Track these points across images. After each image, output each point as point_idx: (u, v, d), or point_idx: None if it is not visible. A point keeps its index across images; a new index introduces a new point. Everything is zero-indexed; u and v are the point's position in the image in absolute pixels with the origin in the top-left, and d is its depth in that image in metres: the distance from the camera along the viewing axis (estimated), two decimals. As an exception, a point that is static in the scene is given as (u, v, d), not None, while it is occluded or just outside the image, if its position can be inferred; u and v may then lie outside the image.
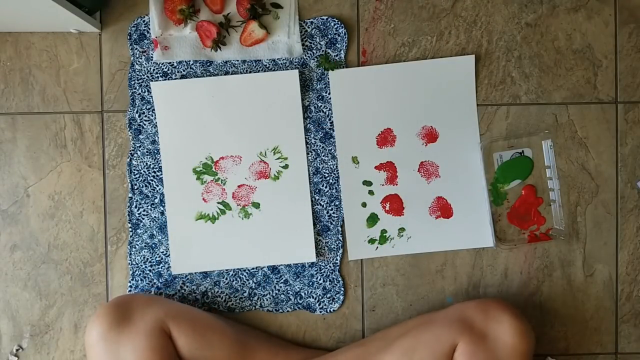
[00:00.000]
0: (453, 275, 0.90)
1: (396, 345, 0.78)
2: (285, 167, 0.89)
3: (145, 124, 0.88)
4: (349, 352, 0.82)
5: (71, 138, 0.88)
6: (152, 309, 0.78)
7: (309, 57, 0.89)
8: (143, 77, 0.88)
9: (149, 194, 0.88)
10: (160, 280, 0.88)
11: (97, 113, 0.89)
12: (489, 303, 0.78)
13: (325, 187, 0.89)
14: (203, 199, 0.88)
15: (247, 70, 0.88)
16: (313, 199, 0.89)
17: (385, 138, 0.89)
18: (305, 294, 0.89)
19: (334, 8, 0.89)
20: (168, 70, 0.88)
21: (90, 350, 0.76)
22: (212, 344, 0.79)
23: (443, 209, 0.89)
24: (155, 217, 0.88)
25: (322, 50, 0.89)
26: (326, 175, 0.89)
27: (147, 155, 0.88)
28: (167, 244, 0.88)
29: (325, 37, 0.89)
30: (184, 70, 0.88)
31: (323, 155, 0.89)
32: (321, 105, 0.89)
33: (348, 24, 0.89)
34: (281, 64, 0.89)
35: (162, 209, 0.88)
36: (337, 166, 0.89)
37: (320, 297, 0.89)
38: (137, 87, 0.88)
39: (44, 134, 0.88)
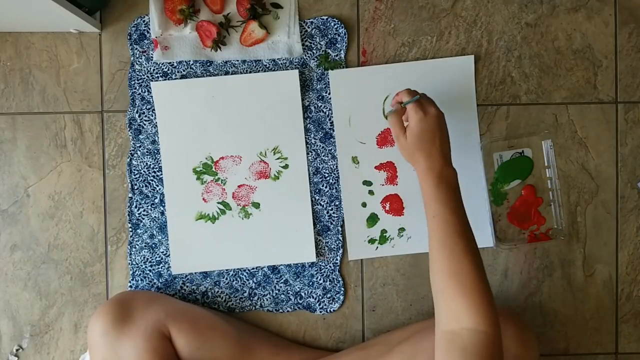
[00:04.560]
0: (453, 275, 0.90)
1: (397, 350, 0.77)
2: (285, 167, 0.89)
3: (145, 124, 0.88)
4: (350, 355, 0.82)
5: (71, 138, 0.88)
6: (152, 309, 0.78)
7: (309, 57, 0.89)
8: (143, 77, 0.88)
9: (149, 194, 0.88)
10: (160, 280, 0.88)
11: (97, 113, 0.89)
12: None
13: (325, 187, 0.89)
14: (203, 199, 0.88)
15: (247, 70, 0.88)
16: (313, 199, 0.89)
17: (385, 138, 0.89)
18: (305, 294, 0.89)
19: (334, 8, 0.89)
20: (168, 70, 0.88)
21: (93, 346, 0.77)
22: (213, 344, 0.79)
23: (443, 209, 0.89)
24: (155, 217, 0.88)
25: (322, 50, 0.89)
26: (326, 175, 0.89)
27: (147, 155, 0.88)
28: (167, 244, 0.88)
29: (325, 37, 0.89)
30: (184, 70, 0.88)
31: (323, 155, 0.89)
32: (321, 105, 0.89)
33: (348, 24, 0.89)
34: (281, 64, 0.89)
35: (162, 209, 0.88)
36: (337, 166, 0.89)
37: (320, 297, 0.89)
38: (137, 87, 0.88)
39: (44, 134, 0.88)
